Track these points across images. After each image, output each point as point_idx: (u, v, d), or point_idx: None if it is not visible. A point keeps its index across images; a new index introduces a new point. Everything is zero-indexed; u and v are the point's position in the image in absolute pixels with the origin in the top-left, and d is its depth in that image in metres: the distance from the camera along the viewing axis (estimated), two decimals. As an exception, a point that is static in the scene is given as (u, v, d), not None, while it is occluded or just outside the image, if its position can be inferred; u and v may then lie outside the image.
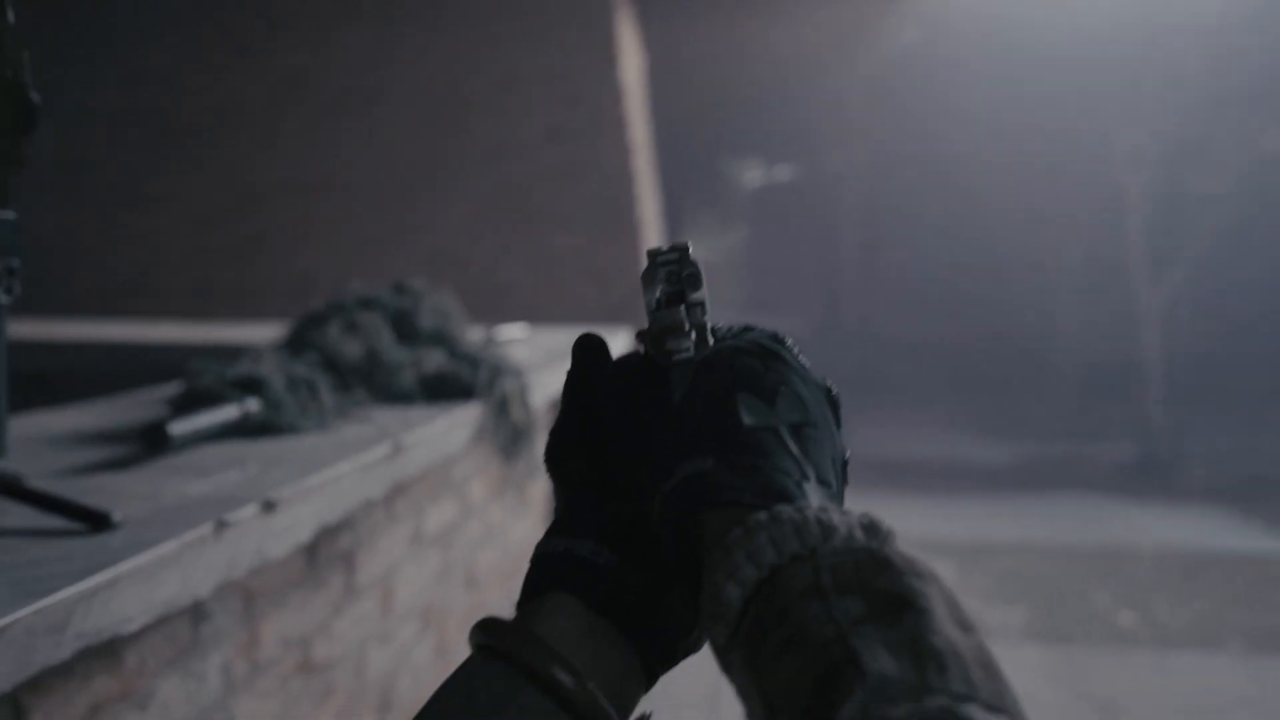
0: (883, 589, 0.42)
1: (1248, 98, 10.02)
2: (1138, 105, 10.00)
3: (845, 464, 0.57)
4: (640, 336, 0.59)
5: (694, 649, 0.58)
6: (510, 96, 5.84)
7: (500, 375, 2.28)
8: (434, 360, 2.24)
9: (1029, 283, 13.39)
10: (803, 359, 0.59)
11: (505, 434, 2.34)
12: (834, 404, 0.59)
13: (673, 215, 16.37)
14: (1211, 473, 9.60)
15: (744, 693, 0.45)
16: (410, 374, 2.16)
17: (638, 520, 0.55)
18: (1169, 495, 8.93)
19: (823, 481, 0.53)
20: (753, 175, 23.87)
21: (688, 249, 0.60)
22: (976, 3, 10.34)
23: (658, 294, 0.58)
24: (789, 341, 0.60)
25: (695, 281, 0.59)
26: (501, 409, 2.28)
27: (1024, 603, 6.10)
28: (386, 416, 2.03)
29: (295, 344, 2.17)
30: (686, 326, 0.57)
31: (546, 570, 0.56)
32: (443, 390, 2.21)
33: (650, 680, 0.56)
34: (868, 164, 12.32)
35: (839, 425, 0.58)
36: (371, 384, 2.13)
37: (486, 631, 0.52)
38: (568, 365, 0.62)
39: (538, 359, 3.23)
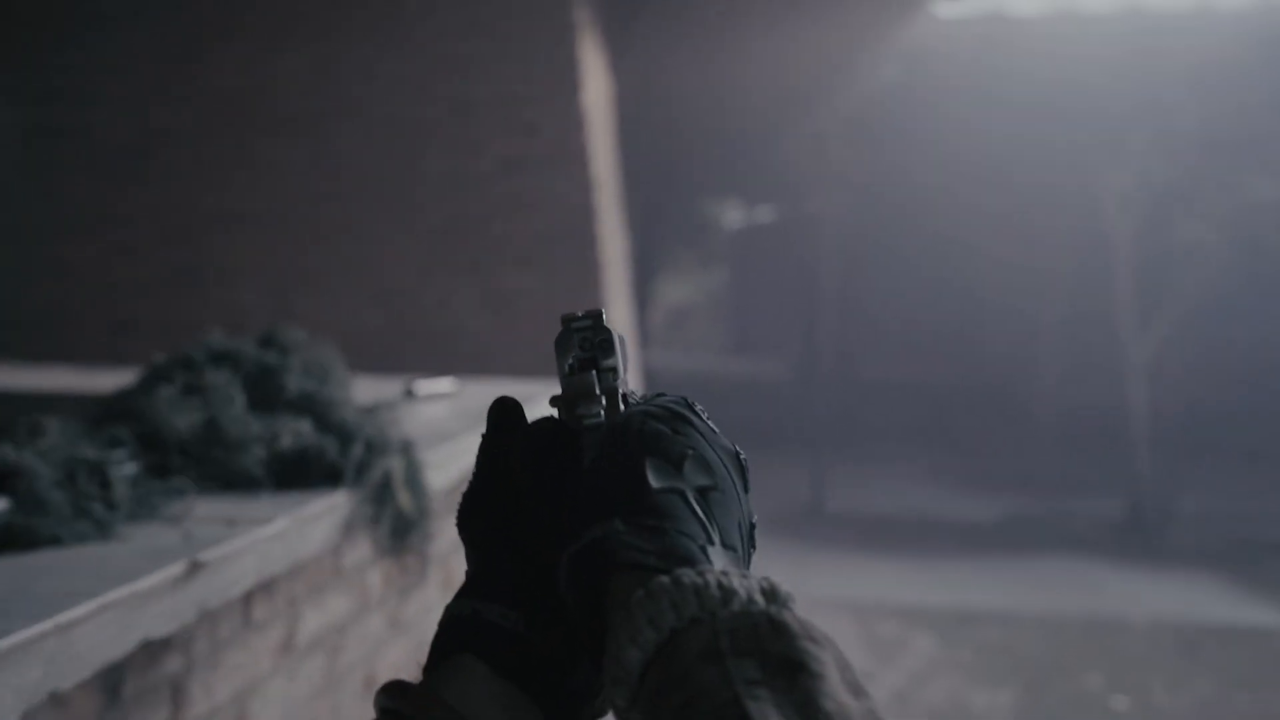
0: (778, 653, 0.43)
1: (1238, 144, 9.73)
2: (1125, 150, 9.69)
3: (754, 528, 0.59)
4: (554, 401, 0.61)
5: (600, 714, 0.58)
6: (463, 124, 5.41)
7: (380, 453, 1.82)
8: (295, 434, 1.78)
9: (1012, 330, 13.05)
10: (711, 424, 0.61)
11: (388, 526, 1.88)
12: (742, 469, 0.60)
13: (645, 255, 16.02)
14: (1201, 535, 9.19)
15: None
16: (258, 452, 1.70)
17: (548, 583, 0.56)
18: (1158, 559, 8.50)
19: (727, 545, 0.54)
20: (731, 215, 23.61)
21: (601, 315, 0.62)
22: (960, 44, 10.03)
23: (570, 360, 0.60)
24: (698, 407, 0.61)
25: (607, 348, 0.60)
26: (382, 495, 1.82)
27: (1012, 683, 5.63)
28: (213, 510, 1.57)
29: (110, 413, 1.71)
30: (597, 392, 0.59)
31: (454, 633, 0.56)
32: (301, 473, 1.75)
33: None
34: (848, 206, 11.97)
35: (747, 490, 0.59)
36: (206, 465, 1.66)
37: (390, 695, 0.53)
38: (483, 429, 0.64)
39: (460, 423, 2.77)
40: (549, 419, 0.62)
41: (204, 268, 5.42)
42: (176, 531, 1.43)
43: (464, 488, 0.64)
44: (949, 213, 12.43)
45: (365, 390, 3.26)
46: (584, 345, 0.60)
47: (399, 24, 5.44)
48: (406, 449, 1.92)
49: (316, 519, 1.66)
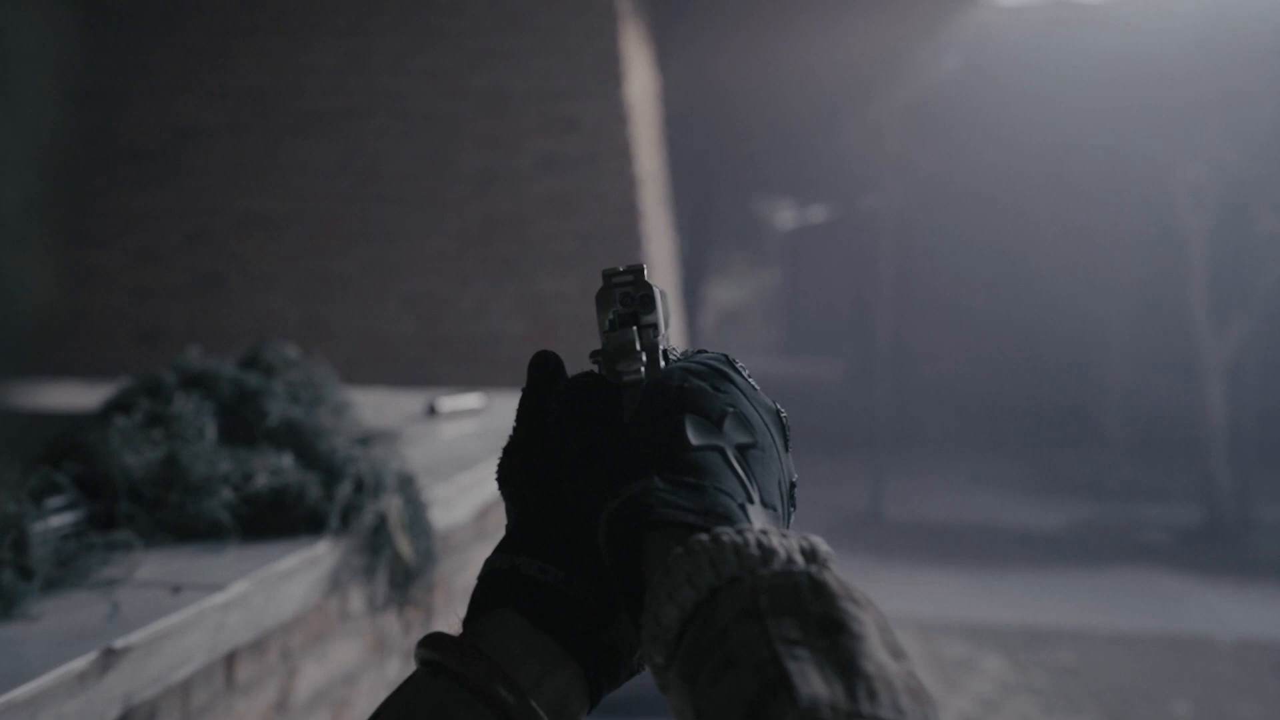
0: (818, 613, 0.43)
1: (1321, 131, 9.21)
2: (1199, 140, 9.23)
3: (793, 487, 0.58)
4: (594, 357, 0.60)
5: (638, 669, 0.58)
6: (500, 119, 5.14)
7: (373, 492, 1.54)
8: (273, 471, 1.50)
9: (1079, 328, 12.56)
10: (753, 381, 0.60)
11: (385, 577, 1.60)
12: (783, 427, 0.59)
13: (696, 256, 15.74)
14: (1283, 543, 8.72)
15: (680, 713, 0.46)
16: (226, 495, 1.43)
17: (587, 538, 0.56)
18: (1238, 570, 8.05)
19: (767, 504, 0.53)
20: (784, 215, 23.29)
21: (642, 270, 0.60)
22: (1022, 31, 9.62)
23: (611, 315, 0.60)
24: (739, 364, 0.61)
25: (648, 304, 0.59)
26: (375, 542, 1.54)
27: (1090, 710, 5.25)
28: (162, 570, 1.29)
29: (54, 450, 1.45)
30: (638, 347, 0.58)
31: (493, 587, 0.56)
32: (277, 519, 1.47)
33: (594, 699, 0.56)
34: (907, 202, 11.57)
35: (788, 448, 0.59)
36: (161, 513, 1.39)
37: (431, 646, 0.53)
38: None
39: (485, 444, 2.48)
40: (589, 374, 0.61)
41: (231, 273, 5.19)
42: (102, 607, 1.15)
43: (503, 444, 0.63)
44: (1011, 208, 12.03)
45: (384, 406, 2.99)
46: (625, 301, 0.60)
47: (432, 16, 5.19)
48: (406, 485, 1.64)
49: (289, 577, 1.37)
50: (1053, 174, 11.04)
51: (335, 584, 1.49)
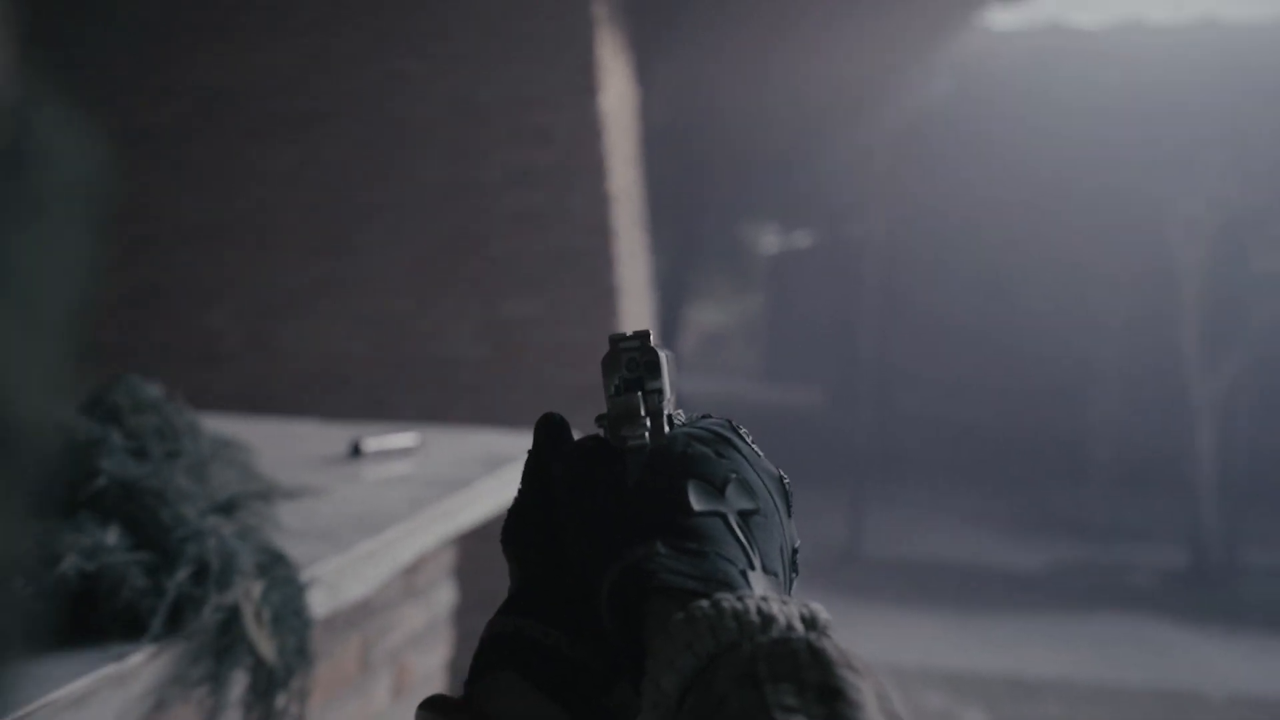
0: (816, 680, 0.44)
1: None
2: (1194, 173, 8.99)
3: (795, 553, 0.59)
4: (599, 421, 0.61)
5: None
6: (466, 129, 4.82)
7: (221, 580, 1.21)
8: (87, 552, 1.17)
9: (1068, 361, 12.31)
10: (756, 448, 0.61)
11: (250, 685, 1.27)
12: (786, 494, 0.60)
13: (678, 279, 15.43)
14: (1272, 590, 8.44)
15: None
16: (15, 589, 1.09)
17: (590, 602, 0.56)
18: (1226, 617, 7.75)
19: (769, 570, 0.54)
20: (767, 240, 23.06)
21: (648, 336, 0.61)
22: (1015, 57, 9.39)
23: (617, 380, 0.60)
24: (742, 430, 0.62)
25: (654, 369, 0.60)
26: (224, 645, 1.21)
27: (1080, 776, 4.94)
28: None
29: None
30: (643, 413, 0.59)
31: (496, 650, 0.57)
32: (85, 618, 1.14)
33: None
34: (893, 229, 11.30)
35: (790, 514, 0.60)
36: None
37: (433, 709, 0.55)
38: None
39: (418, 491, 2.15)
40: (593, 438, 0.61)
41: (173, 286, 4.85)
42: None
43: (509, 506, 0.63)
44: (1001, 237, 11.79)
45: (305, 443, 2.65)
46: (630, 366, 0.60)
47: (397, 16, 4.87)
48: (274, 565, 1.31)
49: (81, 704, 1.04)
50: (1044, 204, 10.81)
51: (159, 705, 1.15)
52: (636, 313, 5.44)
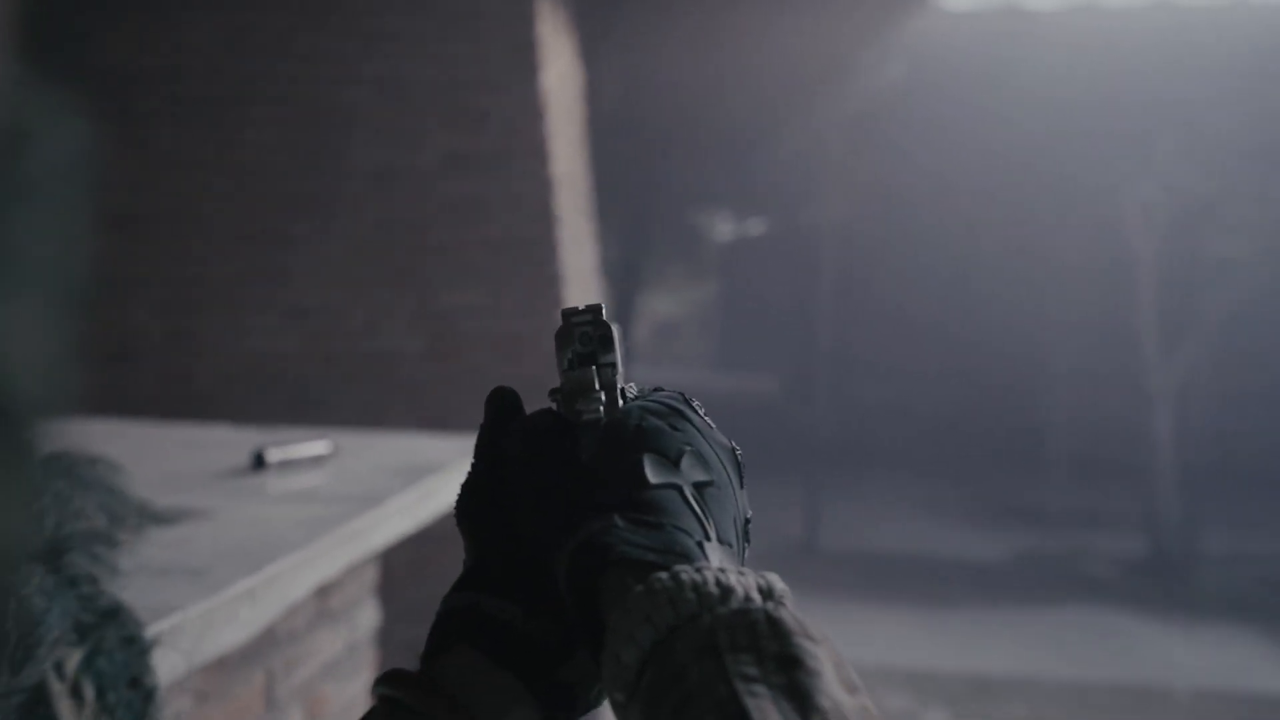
0: (775, 650, 0.44)
1: (1272, 150, 8.94)
2: (1149, 156, 8.91)
3: (748, 523, 0.59)
4: (552, 395, 0.61)
5: (596, 704, 0.58)
6: (398, 111, 4.55)
7: (28, 647, 0.97)
8: None
9: (1024, 348, 12.23)
10: (709, 419, 0.61)
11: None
12: (738, 464, 0.61)
13: (631, 268, 15.20)
14: (1232, 578, 8.39)
15: None
16: None
17: (545, 575, 0.56)
18: (1187, 607, 7.68)
19: (724, 541, 0.55)
20: (721, 227, 22.89)
21: (601, 310, 0.61)
22: (970, 39, 9.24)
23: (570, 354, 0.61)
24: (695, 403, 0.62)
25: (607, 344, 0.61)
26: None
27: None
28: None
29: None
30: (597, 387, 0.59)
31: (452, 624, 0.57)
32: None
33: None
34: (849, 214, 11.14)
35: (743, 485, 0.60)
36: None
37: (389, 683, 0.54)
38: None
39: (323, 512, 1.90)
40: (547, 412, 0.62)
41: (85, 281, 4.54)
42: None
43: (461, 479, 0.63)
44: (957, 225, 11.67)
45: (201, 454, 2.39)
46: (584, 340, 0.61)
47: (324, -8, 4.59)
48: (102, 627, 1.06)
49: None
50: (1000, 190, 10.70)
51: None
52: (585, 301, 5.20)
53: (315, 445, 2.27)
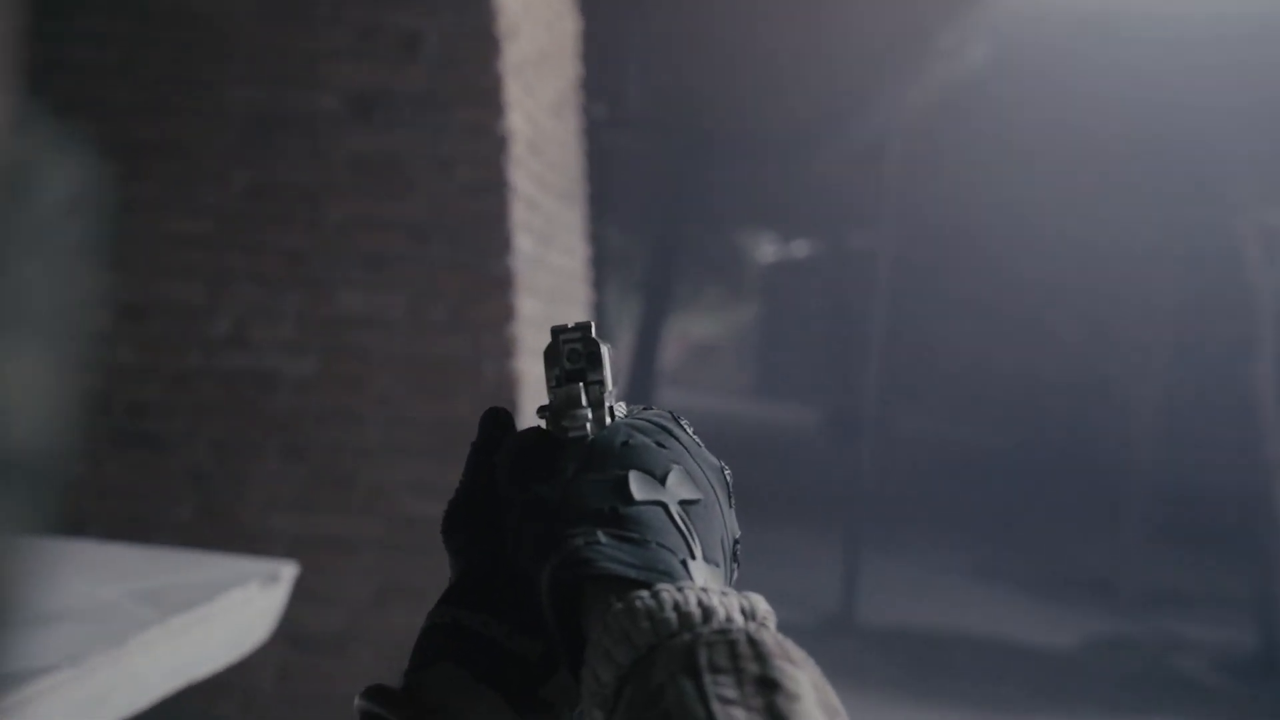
0: (755, 672, 0.44)
1: None
2: (1270, 181, 7.64)
3: (736, 544, 0.59)
4: (541, 412, 0.61)
5: None
6: (286, 31, 3.23)
7: None
8: None
9: (1100, 388, 10.94)
10: (696, 438, 0.62)
11: None
12: (727, 484, 0.61)
13: (662, 286, 14.00)
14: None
15: None
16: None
17: (528, 592, 0.56)
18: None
19: (709, 560, 0.54)
20: (764, 248, 21.84)
21: (590, 328, 0.62)
22: (1058, 31, 7.97)
23: (558, 371, 0.61)
24: (683, 421, 0.63)
25: (596, 361, 0.61)
26: None
27: None
28: None
29: None
30: (584, 404, 0.60)
31: (435, 641, 0.57)
32: None
33: None
34: (900, 237, 9.95)
35: (731, 505, 0.61)
36: None
37: (372, 698, 0.53)
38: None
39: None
40: (535, 429, 0.62)
41: None
42: None
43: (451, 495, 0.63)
44: (1027, 245, 10.46)
45: None
46: (572, 357, 0.61)
47: None
48: None
49: None
50: (1083, 210, 9.49)
51: None
52: (559, 316, 3.85)
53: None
